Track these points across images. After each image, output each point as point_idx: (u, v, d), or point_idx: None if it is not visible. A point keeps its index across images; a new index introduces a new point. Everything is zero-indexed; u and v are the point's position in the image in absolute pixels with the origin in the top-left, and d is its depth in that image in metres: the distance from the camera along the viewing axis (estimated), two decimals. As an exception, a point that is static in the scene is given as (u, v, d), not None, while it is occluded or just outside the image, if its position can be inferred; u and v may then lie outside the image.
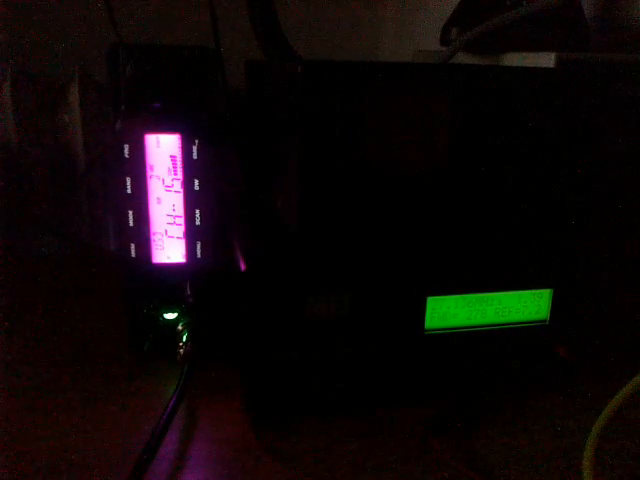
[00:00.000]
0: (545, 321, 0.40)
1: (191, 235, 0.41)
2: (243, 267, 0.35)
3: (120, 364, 0.43)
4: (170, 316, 0.43)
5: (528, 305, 0.39)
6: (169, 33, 0.62)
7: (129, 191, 0.40)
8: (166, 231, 0.41)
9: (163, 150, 0.40)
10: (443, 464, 0.33)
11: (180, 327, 0.42)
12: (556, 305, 0.39)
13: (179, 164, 0.40)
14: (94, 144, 0.64)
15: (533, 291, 0.39)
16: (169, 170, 0.40)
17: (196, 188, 0.41)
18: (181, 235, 0.41)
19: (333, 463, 0.33)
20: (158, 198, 0.41)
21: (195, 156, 0.40)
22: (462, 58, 0.50)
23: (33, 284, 0.57)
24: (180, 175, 0.40)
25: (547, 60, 0.41)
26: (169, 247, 0.41)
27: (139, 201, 0.40)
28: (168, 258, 0.42)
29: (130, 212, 0.40)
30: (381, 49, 0.77)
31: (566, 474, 0.33)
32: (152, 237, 0.41)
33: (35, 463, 0.33)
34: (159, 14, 0.63)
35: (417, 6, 0.73)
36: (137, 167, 0.40)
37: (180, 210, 0.41)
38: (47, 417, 0.37)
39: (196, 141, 0.40)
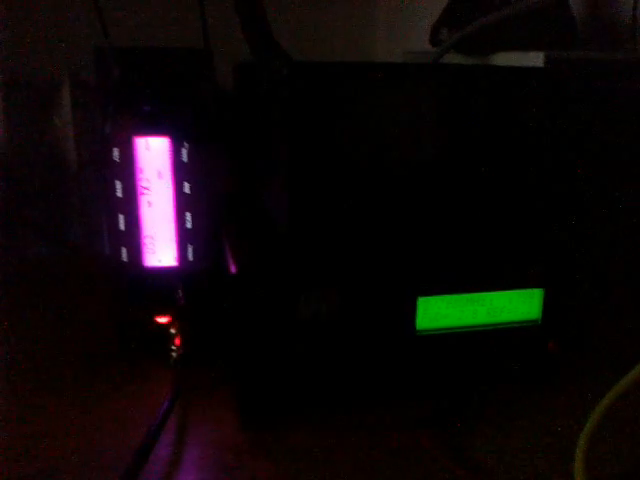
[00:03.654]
0: (537, 321, 0.40)
1: (182, 238, 0.41)
2: (234, 269, 0.35)
3: (113, 367, 0.43)
4: (162, 319, 0.43)
5: (520, 305, 0.39)
6: (158, 35, 0.62)
7: (119, 195, 0.40)
8: (157, 234, 0.41)
9: (153, 153, 0.40)
10: (436, 463, 0.33)
11: (172, 330, 0.42)
12: (548, 305, 0.39)
13: (169, 167, 0.40)
14: (86, 146, 0.64)
15: (524, 291, 0.39)
16: (159, 173, 0.40)
17: (186, 191, 0.41)
18: (172, 238, 0.41)
19: (328, 463, 0.33)
20: (149, 201, 0.40)
21: (185, 159, 0.40)
22: (452, 58, 0.50)
23: (30, 286, 0.57)
24: (170, 178, 0.40)
25: (536, 59, 0.41)
26: (160, 250, 0.41)
27: (130, 205, 0.40)
28: (159, 261, 0.42)
29: (121, 216, 0.40)
30: (372, 50, 0.77)
31: (559, 472, 0.33)
32: (143, 241, 0.41)
33: (35, 463, 0.33)
34: (148, 16, 0.63)
35: (408, 7, 0.73)
36: (127, 170, 0.40)
37: (171, 213, 0.41)
38: (45, 418, 0.37)
39: (186, 144, 0.40)
